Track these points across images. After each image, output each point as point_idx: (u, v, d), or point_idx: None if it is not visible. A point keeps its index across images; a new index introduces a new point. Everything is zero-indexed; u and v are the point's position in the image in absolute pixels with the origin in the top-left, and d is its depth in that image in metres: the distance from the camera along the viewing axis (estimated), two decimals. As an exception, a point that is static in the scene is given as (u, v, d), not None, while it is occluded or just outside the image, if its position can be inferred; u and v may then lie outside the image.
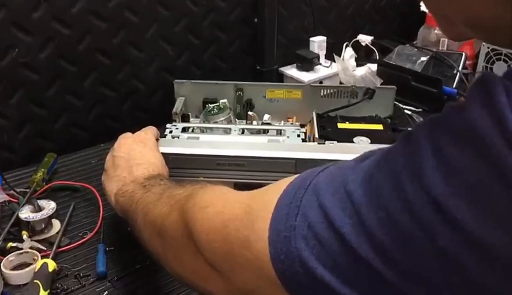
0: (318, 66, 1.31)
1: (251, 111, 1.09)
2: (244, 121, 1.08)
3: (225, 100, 1.07)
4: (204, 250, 0.48)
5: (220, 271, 0.47)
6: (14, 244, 0.78)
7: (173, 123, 0.97)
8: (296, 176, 0.44)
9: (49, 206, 0.84)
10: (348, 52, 1.37)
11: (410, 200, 0.33)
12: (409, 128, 1.06)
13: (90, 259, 0.78)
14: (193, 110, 1.10)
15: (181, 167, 0.86)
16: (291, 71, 1.31)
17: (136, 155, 0.77)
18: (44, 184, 0.92)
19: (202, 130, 0.98)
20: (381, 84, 1.31)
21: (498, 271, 0.31)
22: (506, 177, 0.30)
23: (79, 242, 0.81)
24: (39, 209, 0.83)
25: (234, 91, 1.10)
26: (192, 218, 0.49)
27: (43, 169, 0.93)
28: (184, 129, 0.96)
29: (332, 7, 1.42)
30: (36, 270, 0.71)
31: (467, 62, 1.33)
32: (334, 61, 1.34)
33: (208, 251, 0.47)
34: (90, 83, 1.07)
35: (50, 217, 0.83)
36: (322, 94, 1.09)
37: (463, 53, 1.29)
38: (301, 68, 1.31)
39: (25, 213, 0.82)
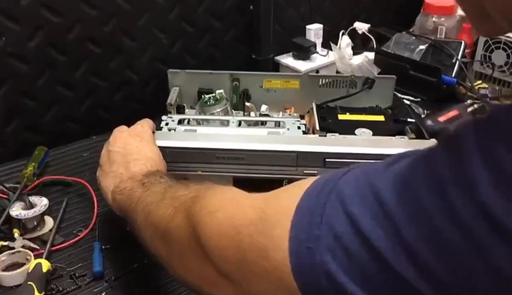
0: (314, 55, 1.28)
1: (247, 101, 1.06)
2: (241, 112, 1.05)
3: (222, 90, 1.03)
4: (214, 256, 0.45)
5: (231, 279, 0.44)
6: (6, 243, 0.74)
7: (169, 115, 0.94)
8: (314, 178, 0.41)
9: (41, 202, 0.80)
10: (345, 41, 1.35)
11: (460, 216, 0.30)
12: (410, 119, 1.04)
13: (86, 258, 0.75)
14: (188, 101, 1.07)
15: (178, 161, 0.83)
16: (287, 60, 1.28)
17: (132, 150, 0.74)
18: (35, 179, 0.88)
19: (199, 122, 0.95)
20: (379, 73, 1.29)
21: None
22: None
23: (74, 240, 0.78)
24: (31, 205, 0.79)
25: (230, 81, 1.06)
26: (200, 223, 0.46)
27: (33, 163, 0.90)
28: (180, 122, 0.93)
29: (328, -6, 1.39)
30: (29, 270, 0.68)
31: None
32: (331, 50, 1.31)
33: (219, 258, 0.45)
34: (81, 73, 1.03)
35: (43, 214, 0.79)
36: (320, 84, 1.06)
37: (463, 42, 1.26)
38: (297, 57, 1.28)
39: (16, 210, 0.78)
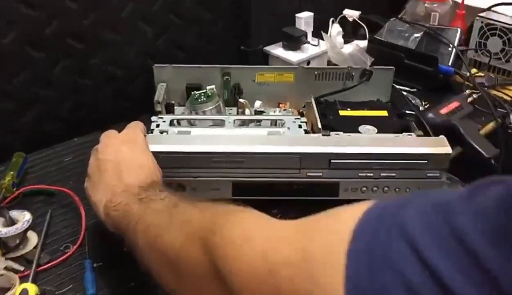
0: (306, 45, 1.22)
1: (239, 96, 1.00)
2: (233, 108, 0.99)
3: (213, 86, 0.97)
4: None
5: None
6: (-14, 265, 0.67)
7: (159, 116, 0.87)
8: (355, 207, 0.35)
9: (23, 217, 0.73)
10: (335, 29, 1.29)
11: None
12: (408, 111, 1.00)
13: (77, 278, 0.68)
14: (176, 98, 1.00)
15: (172, 166, 0.77)
16: (277, 50, 1.21)
17: (125, 158, 0.67)
18: (14, 189, 0.81)
19: (191, 123, 0.89)
20: (372, 62, 1.24)
21: None
22: None
23: (62, 258, 0.71)
24: (12, 222, 0.72)
25: (221, 75, 1.00)
26: (222, 257, 0.40)
27: (12, 172, 0.82)
28: (172, 122, 0.86)
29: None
30: (15, 297, 0.62)
31: (459, 38, 1.27)
32: (322, 39, 1.26)
33: None
34: (62, 71, 0.94)
35: (26, 231, 0.72)
36: (316, 76, 1.00)
37: (459, 29, 1.22)
38: (288, 47, 1.21)
39: (-4, 228, 0.71)
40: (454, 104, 1.03)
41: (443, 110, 1.01)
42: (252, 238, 0.41)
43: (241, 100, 0.98)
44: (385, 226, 0.31)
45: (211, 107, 0.93)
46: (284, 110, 1.01)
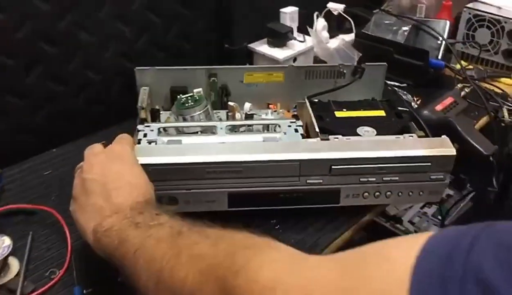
0: (291, 41, 1.17)
1: (227, 98, 0.95)
2: (222, 112, 0.94)
3: (200, 89, 0.91)
4: None
5: None
6: (-36, 299, 0.61)
7: (146, 124, 0.81)
8: (414, 239, 0.30)
9: (2, 243, 0.66)
10: (320, 23, 1.25)
11: None
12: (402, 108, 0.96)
13: (65, 308, 0.63)
14: (160, 102, 0.94)
15: (163, 179, 0.71)
16: (261, 47, 1.17)
17: (113, 176, 0.61)
18: (-10, 210, 0.74)
19: (179, 130, 0.83)
20: (360, 58, 1.20)
21: None
22: None
23: (48, 285, 0.65)
24: (-10, 248, 0.66)
25: (207, 77, 0.94)
26: None
27: (-14, 191, 0.76)
28: (160, 131, 0.80)
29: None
30: (-2, 336, 0.56)
31: (446, 29, 1.24)
32: (307, 34, 1.21)
33: None
34: (34, 77, 0.88)
35: (6, 258, 0.66)
36: (306, 75, 0.96)
37: (447, 22, 1.19)
38: (273, 44, 1.17)
39: (-27, 256, 0.65)
40: (448, 100, 1.00)
41: (438, 107, 0.98)
42: (286, 281, 0.35)
43: (230, 103, 0.92)
44: (454, 266, 0.27)
45: (199, 112, 0.88)
46: (275, 111, 0.96)
